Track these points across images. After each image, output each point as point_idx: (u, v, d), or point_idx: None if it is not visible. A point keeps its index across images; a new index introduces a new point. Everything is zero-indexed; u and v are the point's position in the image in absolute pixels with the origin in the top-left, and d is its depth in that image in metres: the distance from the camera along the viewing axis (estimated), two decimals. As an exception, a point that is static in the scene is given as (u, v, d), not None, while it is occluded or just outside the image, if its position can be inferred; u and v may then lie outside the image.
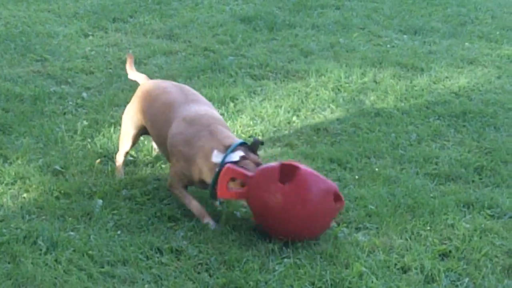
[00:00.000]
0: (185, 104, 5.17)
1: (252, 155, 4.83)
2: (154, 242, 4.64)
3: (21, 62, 7.79)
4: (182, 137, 4.95)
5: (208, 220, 4.94)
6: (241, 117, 6.69)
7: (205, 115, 5.06)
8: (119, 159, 5.60)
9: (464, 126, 6.85)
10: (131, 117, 5.50)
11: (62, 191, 5.20)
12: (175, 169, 5.07)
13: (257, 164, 4.78)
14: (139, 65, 7.85)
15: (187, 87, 5.68)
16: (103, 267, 4.36)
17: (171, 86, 5.54)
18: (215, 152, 4.74)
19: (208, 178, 4.81)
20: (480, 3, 11.30)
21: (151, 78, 6.01)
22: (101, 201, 5.06)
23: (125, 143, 5.53)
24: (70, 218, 4.85)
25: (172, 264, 4.44)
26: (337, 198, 4.71)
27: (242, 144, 4.85)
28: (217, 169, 4.69)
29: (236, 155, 4.72)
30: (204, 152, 4.81)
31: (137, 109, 5.45)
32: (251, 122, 6.62)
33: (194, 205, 5.03)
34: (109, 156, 5.81)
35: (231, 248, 4.63)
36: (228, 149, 4.74)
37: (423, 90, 7.67)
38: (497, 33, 9.85)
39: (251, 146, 4.87)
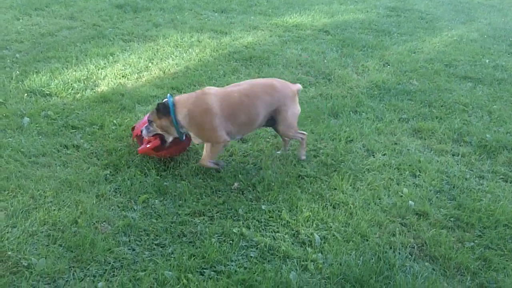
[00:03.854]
0: None
1: None
2: (62, 141, 4.61)
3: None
4: None
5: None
6: (117, 65, 6.55)
7: None
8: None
9: (250, 65, 7.02)
10: None
11: (4, 114, 5.01)
12: None
13: None
14: (52, 36, 7.49)
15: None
16: (30, 158, 4.32)
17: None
18: None
19: None
20: (260, -7, 11.46)
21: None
22: (28, 119, 4.93)
23: None
24: (9, 130, 4.73)
25: (74, 154, 4.44)
26: None
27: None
28: None
29: None
30: None
31: None
32: (123, 67, 6.51)
33: None
34: (34, 92, 5.56)
35: (111, 143, 4.65)
36: None
37: (227, 45, 7.75)
38: (270, 10, 10.04)
39: None
